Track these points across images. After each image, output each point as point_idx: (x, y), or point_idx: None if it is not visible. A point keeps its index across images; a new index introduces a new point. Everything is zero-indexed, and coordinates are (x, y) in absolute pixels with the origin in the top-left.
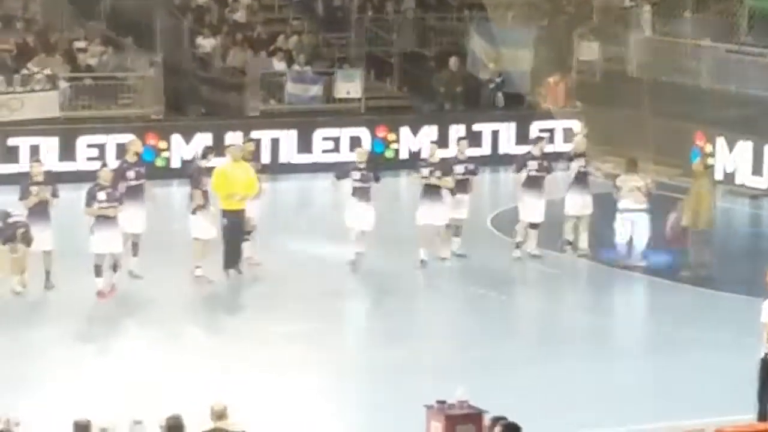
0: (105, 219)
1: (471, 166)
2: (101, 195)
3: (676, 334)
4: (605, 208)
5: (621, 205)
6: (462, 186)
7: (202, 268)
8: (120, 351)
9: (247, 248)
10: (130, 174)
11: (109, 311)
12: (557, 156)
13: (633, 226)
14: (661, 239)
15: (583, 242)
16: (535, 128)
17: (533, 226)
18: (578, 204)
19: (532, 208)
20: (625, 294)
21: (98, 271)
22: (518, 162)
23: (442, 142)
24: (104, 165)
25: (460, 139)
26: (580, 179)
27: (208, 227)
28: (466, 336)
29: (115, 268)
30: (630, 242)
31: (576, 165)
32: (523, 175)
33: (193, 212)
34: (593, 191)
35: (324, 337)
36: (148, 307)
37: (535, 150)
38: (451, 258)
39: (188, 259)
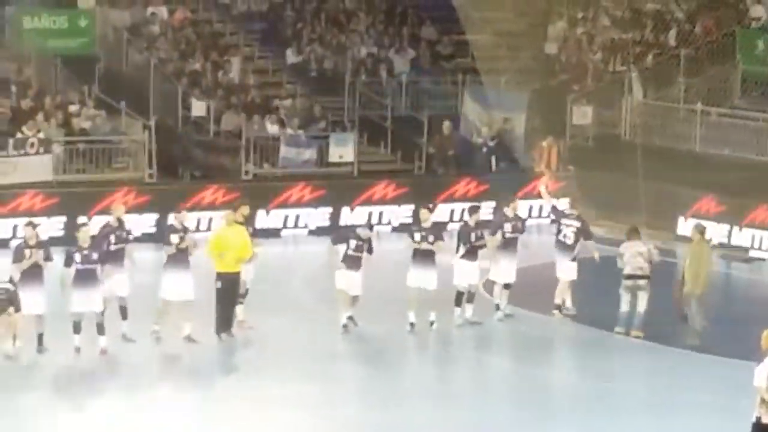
0: (82, 279)
1: (480, 233)
2: (77, 256)
3: (671, 397)
4: (609, 272)
5: (625, 271)
6: (473, 253)
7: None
8: (112, 415)
9: (239, 311)
10: (112, 238)
11: (101, 375)
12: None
13: (636, 293)
14: (660, 305)
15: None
16: None
17: (506, 286)
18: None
19: (505, 270)
20: (618, 357)
21: (77, 328)
22: (494, 224)
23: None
24: (83, 225)
25: (473, 208)
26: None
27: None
28: (457, 399)
29: (100, 329)
30: (632, 309)
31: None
32: (498, 236)
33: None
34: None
35: (316, 399)
36: (140, 371)
37: (509, 211)
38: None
39: (179, 321)
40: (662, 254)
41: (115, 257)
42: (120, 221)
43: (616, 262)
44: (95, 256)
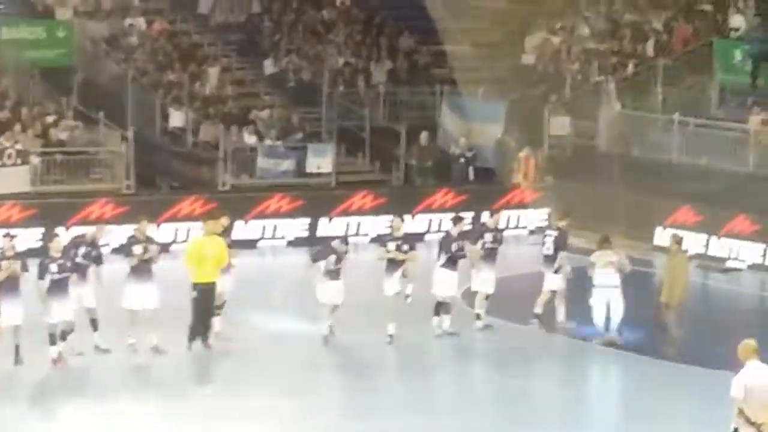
0: (58, 289)
1: (461, 244)
2: (53, 267)
3: (647, 406)
4: (578, 283)
5: (595, 281)
6: (453, 262)
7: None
8: (84, 427)
9: (217, 322)
10: (81, 250)
11: (77, 386)
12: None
13: (608, 302)
14: (637, 315)
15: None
16: None
17: (486, 297)
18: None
19: (485, 280)
20: (595, 367)
21: (53, 340)
22: (474, 234)
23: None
24: (55, 236)
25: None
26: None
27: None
28: (436, 409)
29: (64, 336)
30: (606, 318)
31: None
32: (479, 246)
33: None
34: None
35: (293, 410)
36: (116, 382)
37: (491, 222)
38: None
39: (157, 332)
40: (640, 264)
41: (82, 270)
42: (94, 240)
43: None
44: (69, 264)
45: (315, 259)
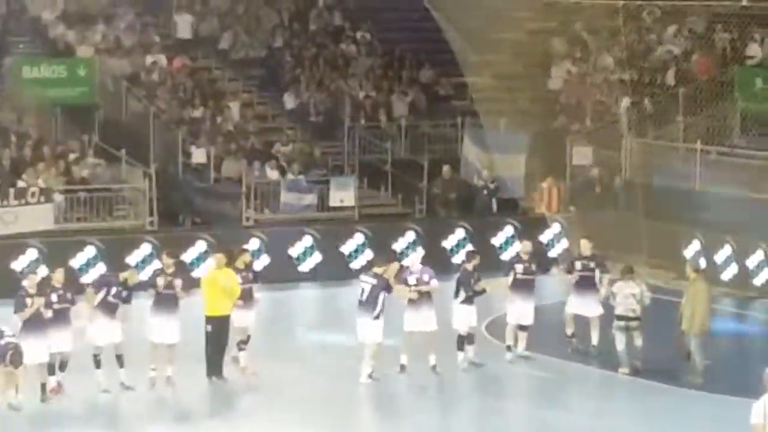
0: (56, 320)
1: (477, 276)
2: (53, 296)
3: None
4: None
5: (617, 311)
6: (473, 296)
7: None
8: None
9: (242, 358)
10: (112, 290)
11: (104, 422)
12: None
13: (630, 333)
14: (662, 344)
15: (594, 339)
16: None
17: (522, 328)
18: (580, 304)
19: (520, 311)
20: (620, 396)
21: (51, 370)
22: (506, 266)
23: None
24: (57, 268)
25: (471, 253)
26: (583, 281)
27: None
28: None
29: (63, 367)
30: (626, 348)
31: (578, 266)
32: (511, 278)
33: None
34: None
35: None
36: (145, 417)
37: (523, 253)
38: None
39: (184, 368)
40: (664, 293)
41: (112, 308)
42: (126, 282)
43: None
44: (69, 295)
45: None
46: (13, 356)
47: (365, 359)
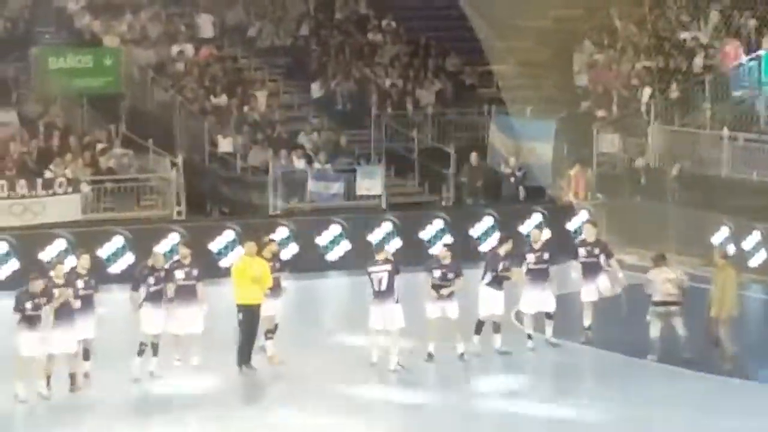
0: (82, 306)
1: (507, 263)
2: (79, 283)
3: (701, 422)
4: (635, 300)
5: (655, 297)
6: (498, 282)
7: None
8: None
9: (269, 346)
10: (151, 279)
11: (133, 409)
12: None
13: (668, 319)
14: (691, 331)
15: (587, 321)
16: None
17: (548, 316)
18: (591, 291)
19: (536, 299)
20: (649, 384)
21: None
22: (518, 257)
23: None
24: (84, 253)
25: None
26: (590, 267)
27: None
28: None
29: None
30: (661, 336)
31: (582, 252)
32: (524, 268)
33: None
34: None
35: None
36: (171, 405)
37: (534, 243)
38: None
39: (213, 357)
40: (692, 279)
41: (156, 297)
42: (155, 266)
43: (643, 290)
44: (93, 282)
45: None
46: None
47: (392, 346)
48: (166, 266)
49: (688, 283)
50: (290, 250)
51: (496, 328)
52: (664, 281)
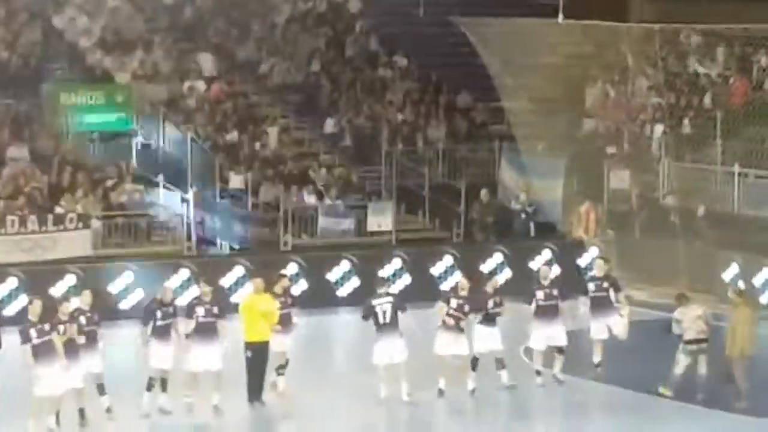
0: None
1: (498, 300)
2: (82, 319)
3: None
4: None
5: (687, 336)
6: (492, 320)
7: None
8: None
9: (281, 382)
10: (158, 314)
11: None
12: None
13: (697, 357)
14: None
15: (596, 357)
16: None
17: (558, 350)
18: (600, 328)
19: (546, 335)
20: (664, 421)
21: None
22: (528, 293)
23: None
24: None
25: (490, 274)
26: (599, 302)
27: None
28: None
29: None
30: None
31: (591, 287)
32: (533, 306)
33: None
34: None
35: None
36: None
37: (543, 280)
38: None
39: (224, 392)
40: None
41: (163, 331)
42: (163, 300)
43: (657, 327)
44: (96, 317)
45: (365, 317)
46: None
47: (400, 377)
48: (186, 302)
49: (712, 320)
50: (300, 286)
51: (500, 364)
52: (695, 319)
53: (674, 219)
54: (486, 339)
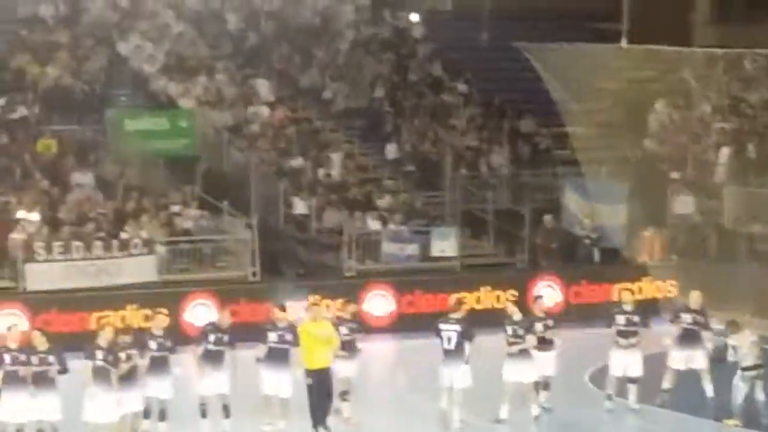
0: (156, 366)
1: (550, 323)
2: (152, 344)
3: None
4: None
5: (746, 363)
6: (544, 343)
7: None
8: None
9: (345, 408)
10: (211, 338)
11: None
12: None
13: (755, 382)
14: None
15: (709, 391)
16: None
17: (631, 380)
18: (682, 358)
19: (624, 363)
20: None
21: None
22: (607, 317)
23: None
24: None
25: (537, 297)
26: (690, 335)
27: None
28: None
29: (162, 416)
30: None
31: (687, 318)
32: (614, 329)
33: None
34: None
35: None
36: None
37: (625, 305)
38: (541, 413)
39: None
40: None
41: (215, 356)
42: (222, 326)
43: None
44: (169, 343)
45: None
46: None
47: (456, 405)
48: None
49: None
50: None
51: (545, 386)
52: (752, 345)
53: (740, 244)
54: (541, 365)
